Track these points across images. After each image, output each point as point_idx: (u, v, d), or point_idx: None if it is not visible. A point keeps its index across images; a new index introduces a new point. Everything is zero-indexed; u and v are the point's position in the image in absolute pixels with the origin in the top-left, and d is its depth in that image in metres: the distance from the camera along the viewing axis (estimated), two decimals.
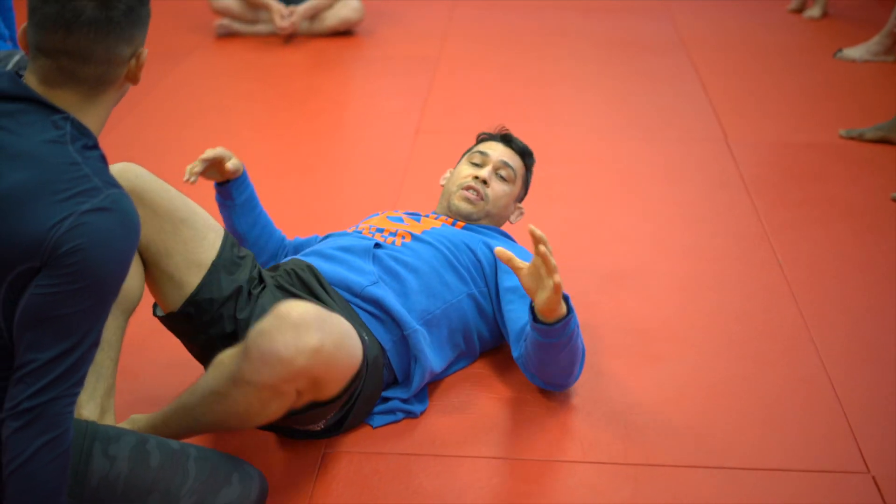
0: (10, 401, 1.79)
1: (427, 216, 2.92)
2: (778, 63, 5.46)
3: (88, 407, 2.35)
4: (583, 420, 2.59)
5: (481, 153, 2.96)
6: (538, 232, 2.35)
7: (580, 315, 2.73)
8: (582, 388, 2.69)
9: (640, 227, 3.64)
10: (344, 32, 5.87)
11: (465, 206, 2.89)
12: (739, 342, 2.94)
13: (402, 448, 2.47)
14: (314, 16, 5.82)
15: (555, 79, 5.23)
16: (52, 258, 1.75)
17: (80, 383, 1.82)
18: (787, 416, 2.63)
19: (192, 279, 2.46)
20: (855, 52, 5.42)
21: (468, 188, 2.90)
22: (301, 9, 5.74)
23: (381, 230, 2.79)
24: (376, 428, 2.54)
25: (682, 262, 3.40)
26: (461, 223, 2.89)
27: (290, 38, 5.81)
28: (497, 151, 2.96)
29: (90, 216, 1.77)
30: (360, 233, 2.80)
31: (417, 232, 2.78)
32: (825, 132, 4.47)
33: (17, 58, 4.57)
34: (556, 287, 2.34)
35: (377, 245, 2.70)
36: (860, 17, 6.23)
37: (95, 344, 1.83)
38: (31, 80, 1.86)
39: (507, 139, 3.01)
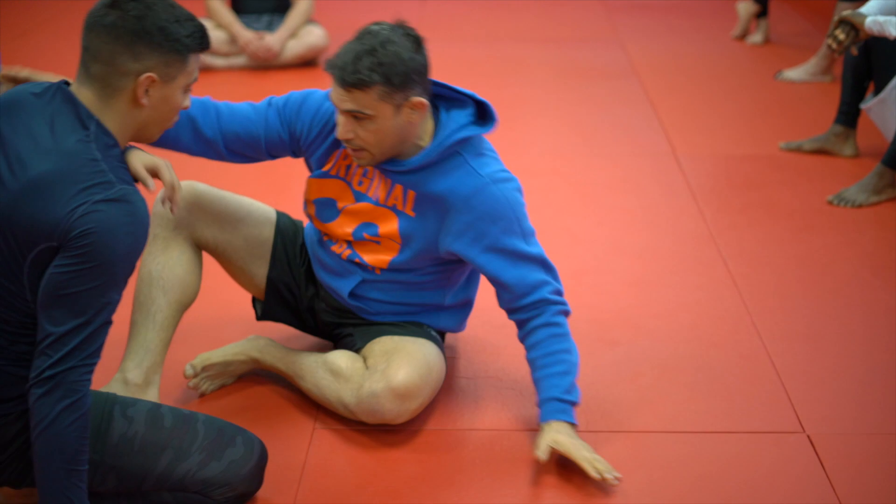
0: (33, 371, 2.05)
1: (360, 194, 2.75)
2: (723, 84, 5.81)
3: (134, 373, 2.70)
4: None
5: (333, 100, 2.56)
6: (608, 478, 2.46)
7: None
8: None
9: (596, 232, 3.94)
10: (309, 61, 6.12)
11: (361, 163, 2.63)
12: (688, 327, 3.24)
13: (389, 425, 2.73)
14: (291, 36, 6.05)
15: (514, 104, 5.53)
16: (66, 240, 2.02)
17: (95, 355, 2.08)
18: (730, 386, 2.93)
19: (260, 270, 2.90)
20: (794, 73, 5.78)
21: (346, 146, 2.62)
22: (279, 32, 5.97)
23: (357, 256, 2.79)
24: None
25: (635, 261, 3.70)
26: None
27: (268, 63, 6.03)
28: (338, 95, 2.52)
29: (102, 205, 2.03)
30: (340, 256, 2.83)
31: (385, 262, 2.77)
32: (767, 145, 4.80)
33: None
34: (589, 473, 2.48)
35: (363, 281, 2.80)
36: (799, 42, 6.60)
37: (108, 322, 2.09)
38: (76, 79, 2.15)
39: (340, 77, 2.49)
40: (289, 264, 2.92)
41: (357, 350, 2.79)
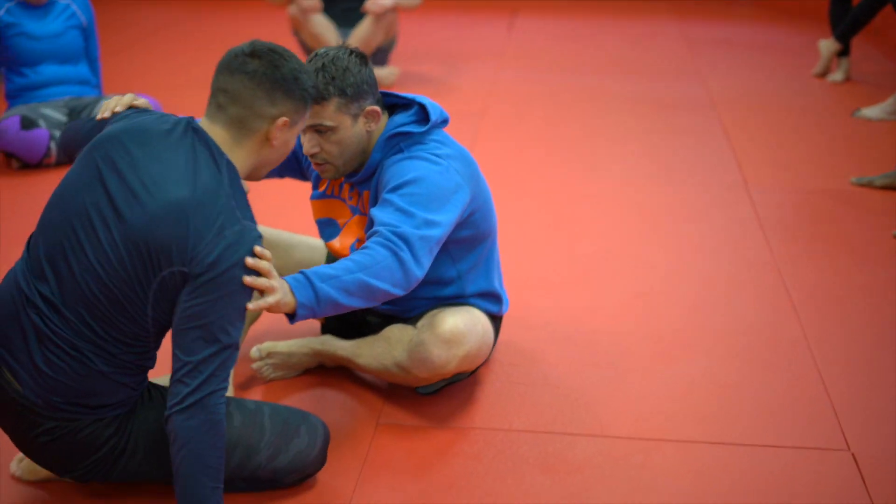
0: (174, 398, 2.23)
1: (354, 207, 2.92)
2: (800, 120, 5.88)
3: None
4: (605, 399, 2.99)
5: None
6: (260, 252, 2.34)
7: (610, 322, 3.15)
8: (603, 381, 3.10)
9: (661, 257, 4.05)
10: None
11: (326, 177, 2.82)
12: (744, 350, 3.34)
13: (449, 423, 2.87)
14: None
15: (591, 133, 5.66)
16: (197, 267, 2.19)
17: (227, 379, 2.26)
18: (780, 404, 3.02)
19: None
20: (871, 111, 5.83)
21: (312, 162, 2.79)
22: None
23: None
24: None
25: (697, 285, 3.81)
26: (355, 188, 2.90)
27: None
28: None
29: (230, 237, 2.22)
30: None
31: None
32: (838, 180, 4.87)
33: (102, 103, 5.08)
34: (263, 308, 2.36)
35: None
36: (880, 81, 6.65)
37: (236, 347, 2.27)
38: (205, 117, 2.36)
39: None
40: None
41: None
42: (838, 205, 4.59)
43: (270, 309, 2.35)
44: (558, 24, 8.44)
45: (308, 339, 3.11)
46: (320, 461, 2.60)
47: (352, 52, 2.72)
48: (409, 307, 2.96)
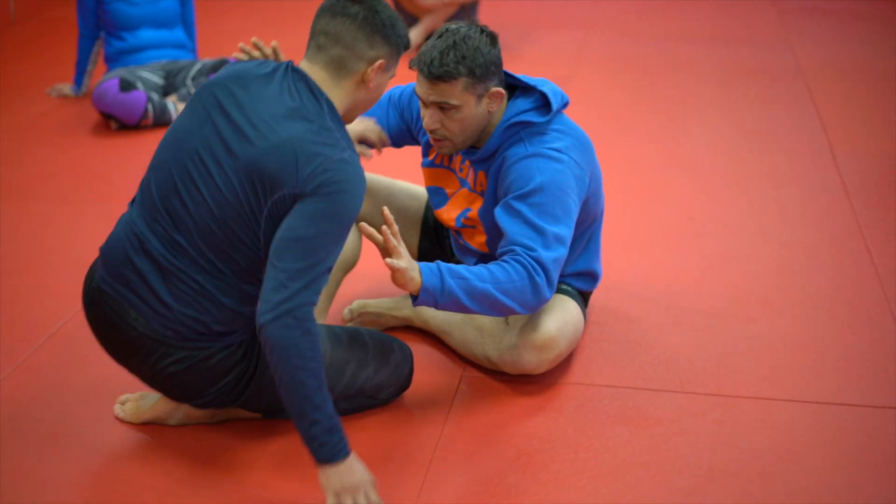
0: (266, 304, 2.30)
1: (462, 180, 2.98)
2: (889, 88, 5.83)
3: None
4: (686, 356, 3.05)
5: (419, 95, 2.78)
6: (387, 215, 2.51)
7: (693, 284, 3.20)
8: (686, 339, 3.16)
9: (746, 221, 4.08)
10: None
11: (442, 152, 2.87)
12: (825, 310, 3.37)
13: (531, 377, 2.95)
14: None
15: (679, 100, 5.68)
16: (309, 187, 2.33)
17: (317, 294, 2.34)
18: (861, 364, 3.06)
19: (412, 240, 3.23)
20: None
21: (431, 137, 2.83)
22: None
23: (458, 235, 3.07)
24: None
25: (780, 249, 3.83)
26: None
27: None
28: (425, 89, 2.74)
29: (337, 164, 2.35)
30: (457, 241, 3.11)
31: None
32: None
33: (198, 66, 5.22)
34: (390, 267, 2.49)
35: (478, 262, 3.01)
36: None
37: (329, 269, 2.37)
38: (304, 59, 2.49)
39: (428, 70, 2.71)
40: (437, 236, 3.20)
41: None
42: None
43: (396, 277, 2.49)
44: None
45: (399, 301, 3.19)
46: (410, 377, 2.83)
47: (482, 30, 2.74)
48: None
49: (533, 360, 2.86)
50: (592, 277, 3.08)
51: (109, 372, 2.88)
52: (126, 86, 4.97)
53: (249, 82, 2.45)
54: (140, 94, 4.99)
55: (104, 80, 5.05)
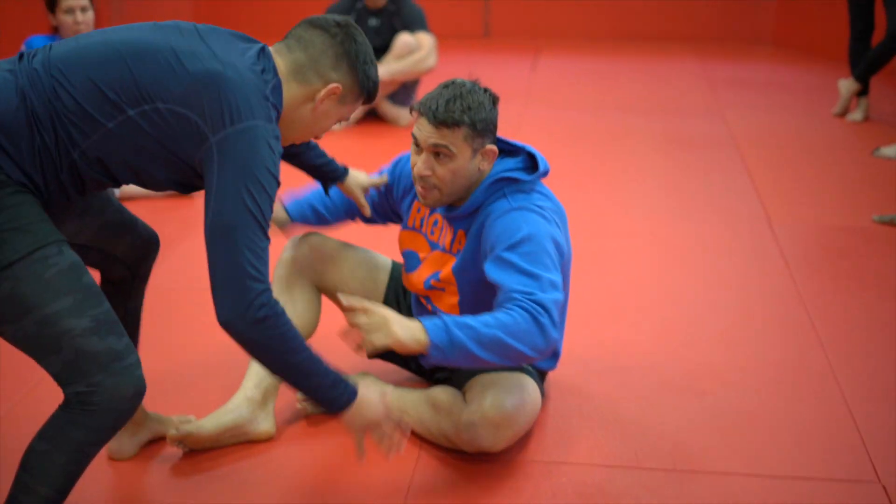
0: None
1: (433, 243, 3.01)
2: (820, 159, 5.98)
3: (253, 392, 2.99)
4: (640, 431, 3.08)
5: (415, 136, 2.81)
6: (349, 302, 2.52)
7: (642, 356, 3.24)
8: (636, 414, 3.19)
9: (689, 291, 4.15)
10: None
11: (425, 203, 2.87)
12: (772, 382, 3.42)
13: (487, 454, 2.96)
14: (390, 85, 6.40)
15: (616, 170, 5.77)
16: (224, 138, 2.24)
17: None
18: (810, 437, 3.10)
19: None
20: (891, 150, 5.93)
21: (418, 185, 2.85)
22: (391, 69, 6.32)
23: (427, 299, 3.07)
24: None
25: (724, 318, 3.90)
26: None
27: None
28: (426, 132, 2.77)
29: (254, 122, 2.26)
30: (417, 298, 3.13)
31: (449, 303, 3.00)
32: (860, 217, 4.96)
33: None
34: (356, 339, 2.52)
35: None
36: None
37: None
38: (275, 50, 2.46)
39: (433, 115, 2.75)
40: (398, 309, 3.19)
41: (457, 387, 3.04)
42: (860, 242, 4.68)
43: (400, 346, 2.49)
44: (581, 64, 8.57)
45: (353, 379, 3.16)
46: (130, 399, 2.30)
47: (485, 89, 2.80)
48: None
49: (490, 438, 2.86)
50: (554, 356, 3.10)
51: None
52: None
53: (220, 35, 2.39)
54: None
55: None
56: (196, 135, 2.25)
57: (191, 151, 2.27)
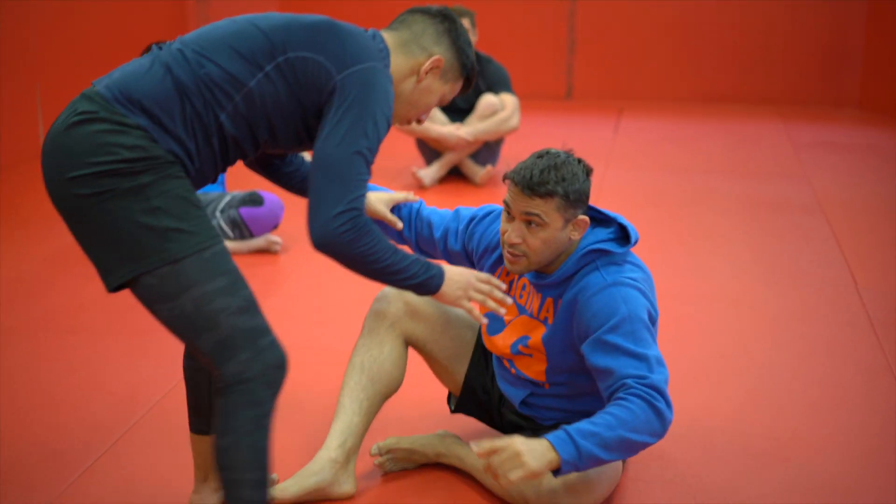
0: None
1: (521, 307, 2.99)
2: None
3: (337, 452, 3.00)
4: (723, 498, 3.04)
5: (507, 203, 2.83)
6: (481, 449, 2.58)
7: (726, 422, 3.20)
8: (724, 477, 3.15)
9: (775, 357, 4.10)
10: None
11: (512, 269, 2.87)
12: (862, 454, 3.35)
13: None
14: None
15: (699, 233, 5.75)
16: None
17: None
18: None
19: (461, 368, 3.21)
20: None
21: (507, 251, 2.84)
22: (475, 129, 6.42)
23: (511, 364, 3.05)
24: None
25: (812, 387, 3.84)
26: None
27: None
28: (518, 200, 2.78)
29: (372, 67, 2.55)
30: (509, 371, 3.07)
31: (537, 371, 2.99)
32: None
33: (227, 198, 5.29)
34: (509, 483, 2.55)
35: (532, 393, 3.02)
36: None
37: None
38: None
39: (526, 184, 2.77)
40: (485, 367, 3.20)
41: None
42: None
43: (537, 475, 2.53)
44: (663, 126, 8.57)
45: (432, 439, 3.17)
46: (280, 369, 2.48)
47: (579, 160, 2.82)
48: (550, 417, 3.02)
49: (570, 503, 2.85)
50: None
51: (155, 492, 2.88)
52: None
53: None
54: None
55: None
56: (323, 75, 2.49)
57: (318, 97, 2.51)
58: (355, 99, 2.47)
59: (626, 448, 2.62)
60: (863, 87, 9.20)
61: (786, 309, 4.62)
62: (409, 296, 3.14)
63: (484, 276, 2.74)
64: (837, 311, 4.59)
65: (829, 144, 7.86)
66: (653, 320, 2.82)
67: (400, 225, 3.12)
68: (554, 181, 2.74)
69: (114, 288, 2.42)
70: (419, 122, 2.79)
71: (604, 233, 2.89)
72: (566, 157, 2.80)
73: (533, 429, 3.05)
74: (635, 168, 7.17)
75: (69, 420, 3.51)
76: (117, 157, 2.33)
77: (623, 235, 2.91)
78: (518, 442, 2.55)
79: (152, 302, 2.39)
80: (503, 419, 3.18)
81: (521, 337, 2.96)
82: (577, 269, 2.85)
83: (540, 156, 2.81)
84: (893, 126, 8.49)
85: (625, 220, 2.92)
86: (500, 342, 3.01)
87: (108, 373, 3.88)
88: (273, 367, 2.41)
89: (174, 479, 3.12)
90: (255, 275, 4.82)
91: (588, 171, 2.83)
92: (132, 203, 2.33)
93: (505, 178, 2.83)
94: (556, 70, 9.60)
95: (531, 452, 2.54)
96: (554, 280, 2.87)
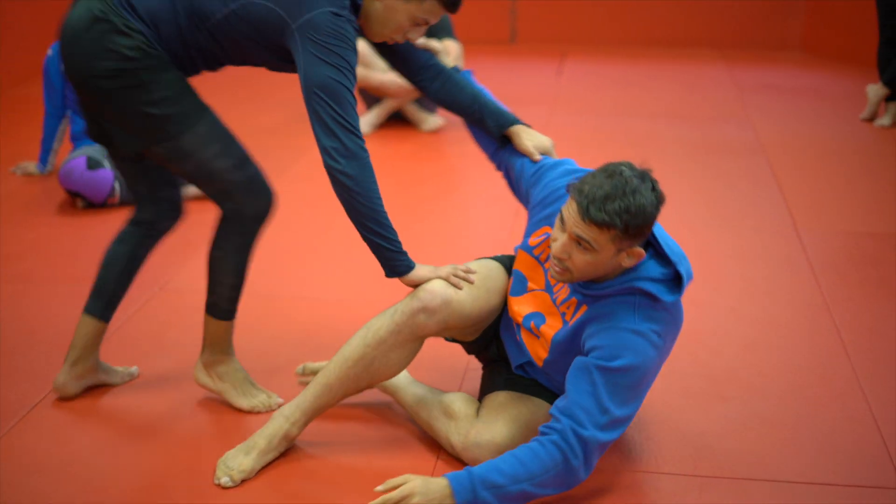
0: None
1: (549, 286, 2.89)
2: (848, 165, 5.94)
3: (290, 425, 2.92)
4: (660, 436, 3.06)
5: (562, 213, 2.65)
6: (382, 487, 2.65)
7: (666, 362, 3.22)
8: (660, 419, 3.17)
9: (716, 298, 4.12)
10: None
11: (555, 278, 2.73)
12: (797, 388, 3.40)
13: None
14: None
15: None
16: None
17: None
18: (834, 443, 3.08)
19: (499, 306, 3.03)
20: None
21: (553, 261, 2.70)
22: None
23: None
24: None
25: (750, 326, 3.87)
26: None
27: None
28: (573, 220, 2.59)
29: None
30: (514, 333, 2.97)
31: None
32: (889, 224, 4.93)
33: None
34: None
35: (528, 363, 2.94)
36: None
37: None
38: None
39: (585, 209, 2.56)
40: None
41: (480, 394, 3.04)
42: (888, 248, 4.64)
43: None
44: (608, 70, 8.54)
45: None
46: (268, 203, 3.08)
47: (653, 186, 2.62)
48: (539, 380, 2.97)
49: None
50: None
51: (83, 453, 2.86)
52: (93, 164, 4.97)
53: None
54: (107, 172, 4.99)
55: (70, 158, 5.05)
56: (280, 23, 2.79)
57: (280, 38, 2.82)
58: (312, 39, 2.76)
59: (526, 500, 2.61)
60: (806, 30, 9.22)
61: (725, 249, 4.65)
62: (453, 313, 2.87)
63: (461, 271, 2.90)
64: (776, 251, 4.62)
65: (773, 87, 7.89)
66: (660, 366, 2.73)
67: (538, 157, 3.08)
68: (615, 213, 2.52)
69: (130, 156, 3.06)
70: (398, 42, 2.98)
71: (657, 270, 2.68)
72: (639, 183, 2.57)
73: (504, 359, 3.05)
74: (580, 112, 7.16)
75: (5, 368, 3.47)
76: (122, 56, 2.80)
77: (675, 279, 2.71)
78: (416, 483, 2.59)
79: (163, 162, 2.99)
80: (498, 347, 3.08)
81: (535, 312, 2.86)
82: (617, 293, 2.68)
83: (609, 175, 2.58)
84: (836, 69, 8.52)
85: (684, 265, 2.72)
86: (517, 307, 2.90)
87: (44, 321, 3.83)
88: (264, 206, 3.04)
89: (113, 423, 3.11)
90: (198, 221, 4.77)
91: (660, 201, 2.62)
92: (136, 96, 2.83)
93: (567, 190, 2.64)
94: (500, 14, 9.53)
95: (426, 494, 2.59)
96: (590, 291, 2.72)
